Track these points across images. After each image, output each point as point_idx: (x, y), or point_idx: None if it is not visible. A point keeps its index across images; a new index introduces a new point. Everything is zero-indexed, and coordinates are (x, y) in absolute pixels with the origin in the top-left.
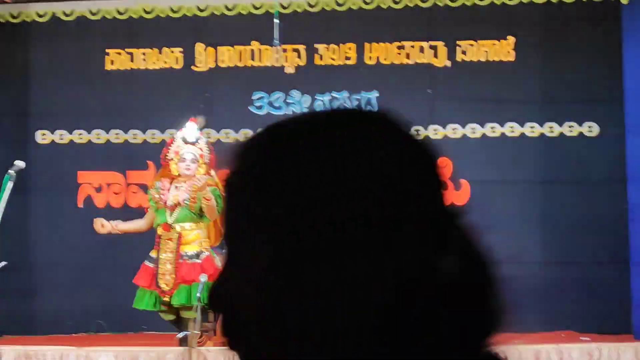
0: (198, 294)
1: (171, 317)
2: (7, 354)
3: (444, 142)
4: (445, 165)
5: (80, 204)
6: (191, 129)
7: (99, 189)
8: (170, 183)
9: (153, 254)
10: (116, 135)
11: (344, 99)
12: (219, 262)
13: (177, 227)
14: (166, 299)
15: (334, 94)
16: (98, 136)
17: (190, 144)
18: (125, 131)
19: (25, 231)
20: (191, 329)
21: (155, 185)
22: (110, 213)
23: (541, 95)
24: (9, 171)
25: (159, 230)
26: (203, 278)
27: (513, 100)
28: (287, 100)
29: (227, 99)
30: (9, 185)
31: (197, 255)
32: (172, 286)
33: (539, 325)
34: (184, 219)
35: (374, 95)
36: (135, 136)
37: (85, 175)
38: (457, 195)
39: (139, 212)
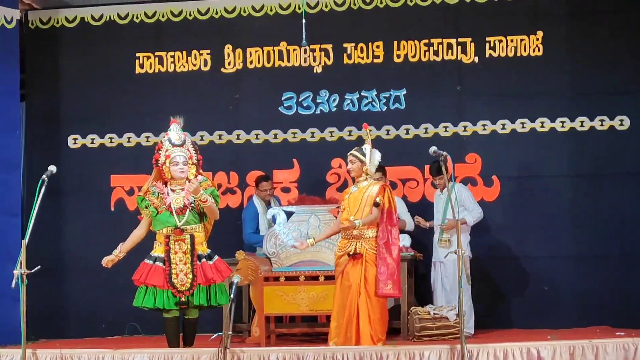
0: (231, 295)
1: (176, 314)
2: (43, 357)
3: (473, 138)
4: (475, 162)
5: (113, 207)
6: (176, 131)
7: (130, 192)
8: (166, 186)
9: (158, 252)
10: (146, 139)
11: (372, 97)
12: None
13: (189, 228)
14: (183, 298)
15: (363, 93)
16: (129, 140)
17: (178, 146)
18: (156, 134)
19: (58, 235)
20: (225, 329)
21: (152, 191)
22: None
23: (571, 90)
24: (43, 176)
25: (167, 232)
26: (236, 279)
27: (543, 95)
28: (316, 100)
29: (256, 100)
30: (42, 190)
31: (210, 257)
32: (189, 286)
33: (573, 321)
34: (194, 221)
35: (402, 92)
36: None
37: (116, 179)
38: (488, 191)
39: None
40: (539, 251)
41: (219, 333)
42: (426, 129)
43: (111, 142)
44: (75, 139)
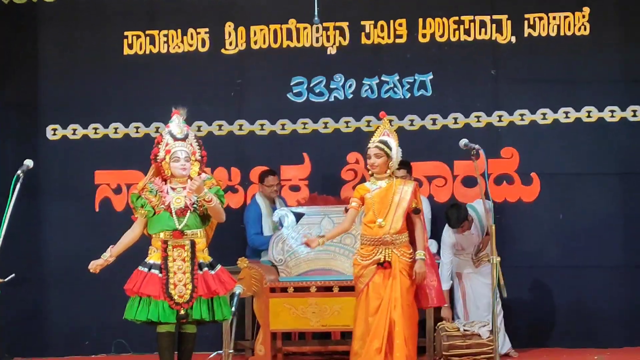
0: (233, 308)
1: (170, 329)
2: None
3: (510, 130)
4: (512, 157)
5: (97, 208)
6: (177, 123)
7: (117, 190)
8: (165, 184)
9: (154, 259)
10: (136, 130)
11: (394, 83)
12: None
13: (190, 233)
14: (182, 312)
15: (383, 77)
16: (116, 131)
17: (180, 140)
18: (147, 124)
19: (35, 239)
20: (225, 347)
21: (150, 188)
22: (130, 216)
23: (622, 74)
24: (18, 172)
25: (164, 236)
26: (238, 289)
27: (589, 81)
28: (330, 86)
29: (261, 86)
30: (17, 187)
31: (212, 266)
32: (188, 298)
33: (624, 339)
34: (195, 226)
35: (428, 77)
36: (157, 130)
37: (102, 175)
38: (526, 191)
39: None
40: (584, 260)
41: (219, 352)
42: (456, 119)
43: (95, 133)
44: (54, 130)
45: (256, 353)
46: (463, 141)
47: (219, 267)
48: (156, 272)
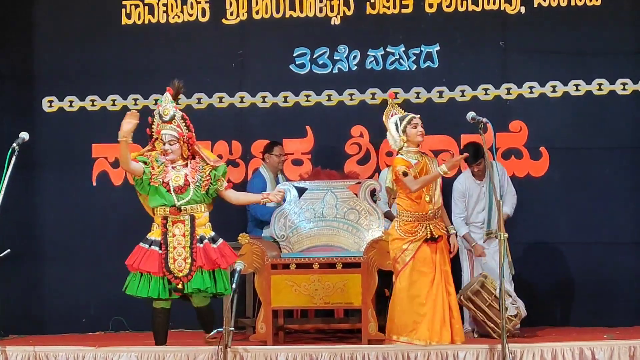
0: (234, 285)
1: (166, 305)
2: (13, 356)
3: (518, 103)
4: (521, 131)
5: (94, 182)
6: (165, 104)
7: (115, 164)
8: (169, 163)
9: (155, 236)
10: (134, 102)
11: (399, 54)
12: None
13: (189, 208)
14: (180, 285)
15: (389, 49)
16: (114, 103)
17: (167, 123)
18: (145, 96)
19: (31, 214)
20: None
21: (157, 157)
22: (128, 191)
23: (634, 46)
24: (13, 145)
25: (163, 212)
26: (239, 266)
27: (601, 53)
28: (334, 57)
29: (263, 57)
30: (12, 160)
31: (214, 240)
32: (187, 272)
33: (634, 318)
34: (196, 200)
35: (435, 48)
36: (156, 102)
37: (99, 149)
38: (535, 165)
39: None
40: (594, 236)
41: (219, 329)
42: (463, 91)
43: (93, 105)
44: (50, 102)
45: (257, 331)
46: (470, 114)
47: (220, 241)
48: (156, 248)
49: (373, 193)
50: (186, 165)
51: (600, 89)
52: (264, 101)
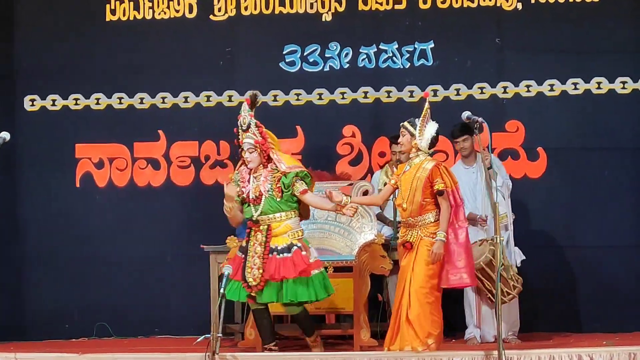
0: (222, 290)
1: (257, 306)
2: None
3: (515, 102)
4: (517, 131)
5: (78, 183)
6: (242, 113)
7: (99, 165)
8: (250, 174)
9: (244, 243)
10: (119, 100)
11: (393, 52)
12: (312, 253)
13: (265, 218)
14: (253, 294)
15: (382, 46)
16: (98, 101)
17: (244, 132)
18: (130, 95)
19: (12, 216)
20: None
21: (234, 178)
22: (112, 193)
23: (634, 44)
24: None
25: (249, 224)
26: (227, 270)
27: (600, 51)
28: (325, 54)
29: (252, 54)
30: None
31: (289, 249)
32: (259, 281)
33: (634, 324)
34: (271, 210)
35: (429, 46)
36: (142, 100)
37: (83, 149)
38: (532, 166)
39: (147, 192)
40: (593, 239)
41: (206, 335)
42: (458, 90)
43: (76, 104)
44: (32, 101)
45: (246, 337)
46: (466, 114)
47: (295, 249)
48: (240, 254)
49: (365, 195)
50: (261, 174)
51: (599, 88)
52: None
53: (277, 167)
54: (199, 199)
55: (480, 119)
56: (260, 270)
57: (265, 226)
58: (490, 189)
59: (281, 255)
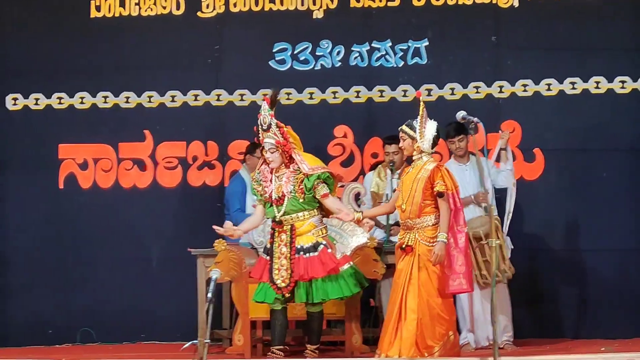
0: (209, 294)
1: (277, 307)
2: None
3: (512, 101)
4: (514, 131)
5: (62, 185)
6: (264, 112)
7: (83, 166)
8: (271, 173)
9: (268, 245)
10: (104, 99)
11: (386, 50)
12: (339, 249)
13: (288, 218)
14: (287, 295)
15: (374, 44)
16: (82, 100)
17: (265, 131)
18: (116, 94)
19: None
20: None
21: (256, 177)
22: (97, 195)
23: (634, 42)
24: None
25: (272, 223)
26: (215, 274)
27: (599, 49)
28: (316, 53)
29: (241, 52)
30: None
31: (315, 248)
32: (288, 282)
33: (634, 330)
34: (294, 210)
35: (423, 44)
36: (128, 100)
37: (67, 149)
38: (529, 168)
39: (132, 193)
40: (592, 242)
41: (194, 341)
42: (453, 89)
43: (60, 103)
44: (15, 100)
45: (234, 343)
46: (461, 114)
47: (321, 247)
48: (264, 255)
49: (357, 197)
50: (285, 174)
51: (597, 87)
52: (242, 99)
53: (299, 167)
54: (186, 201)
55: (475, 119)
56: (289, 271)
57: (289, 226)
58: (483, 185)
59: (308, 254)
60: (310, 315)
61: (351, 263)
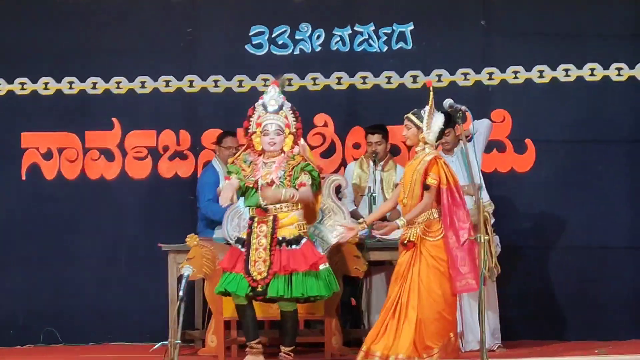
0: (181, 293)
1: (242, 302)
2: None
3: (501, 89)
4: (504, 121)
5: (24, 176)
6: (272, 94)
7: (47, 155)
8: (259, 156)
9: (244, 235)
10: (70, 85)
11: (369, 34)
12: (320, 247)
13: (272, 208)
14: (259, 289)
15: (357, 27)
16: (46, 86)
17: (273, 113)
18: (82, 79)
19: None
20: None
21: (245, 158)
22: (61, 186)
23: (630, 28)
24: None
25: (251, 212)
26: (187, 271)
27: (593, 34)
28: (295, 36)
29: (215, 36)
30: None
31: (297, 241)
32: (265, 275)
33: (629, 331)
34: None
35: (408, 28)
36: (95, 85)
37: (30, 138)
38: (520, 159)
39: (99, 185)
40: (585, 239)
41: (163, 342)
42: (439, 76)
43: (22, 89)
44: None
45: (207, 344)
46: (447, 102)
47: (304, 240)
48: (239, 246)
49: (338, 190)
50: (275, 162)
51: (592, 75)
52: (216, 86)
53: (294, 155)
54: (156, 193)
55: (463, 108)
56: (267, 263)
57: (272, 217)
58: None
59: (290, 247)
60: (283, 314)
61: (327, 264)
